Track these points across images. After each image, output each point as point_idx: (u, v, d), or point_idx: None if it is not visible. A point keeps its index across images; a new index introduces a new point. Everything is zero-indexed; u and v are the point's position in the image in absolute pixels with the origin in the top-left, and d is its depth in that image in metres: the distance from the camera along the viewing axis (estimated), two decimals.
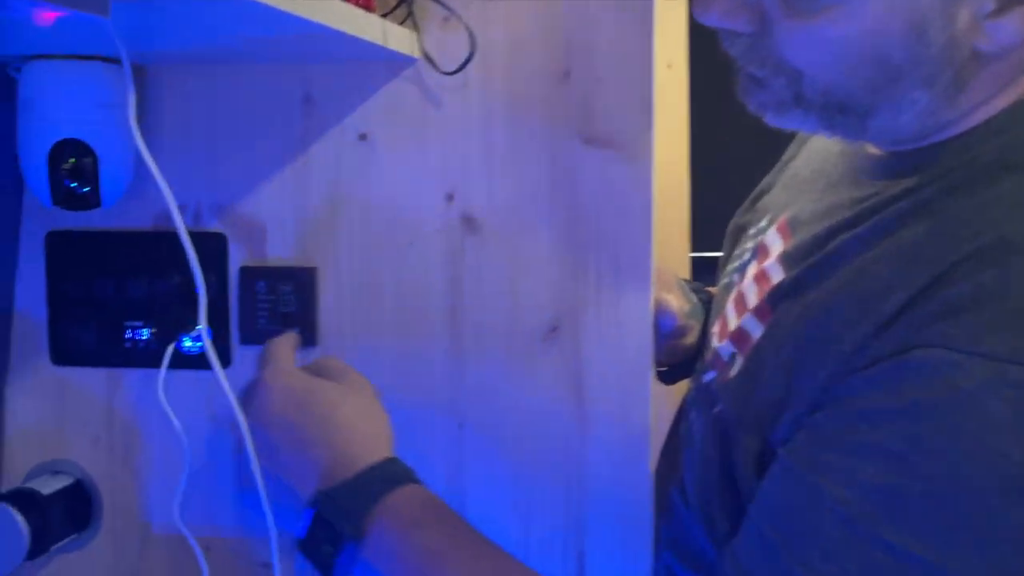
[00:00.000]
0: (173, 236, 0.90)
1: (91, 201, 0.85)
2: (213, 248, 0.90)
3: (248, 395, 0.78)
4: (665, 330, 0.89)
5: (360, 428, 0.75)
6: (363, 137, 0.87)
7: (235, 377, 0.89)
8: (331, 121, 0.87)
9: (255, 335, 0.89)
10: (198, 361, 0.91)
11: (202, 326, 0.70)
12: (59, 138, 0.81)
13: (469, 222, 0.86)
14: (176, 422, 0.88)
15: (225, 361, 0.91)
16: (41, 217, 0.93)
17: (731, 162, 1.71)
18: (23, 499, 0.88)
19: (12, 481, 0.96)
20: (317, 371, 0.79)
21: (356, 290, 0.88)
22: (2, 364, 0.94)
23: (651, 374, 0.84)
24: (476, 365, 0.87)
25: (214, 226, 0.90)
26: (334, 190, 0.88)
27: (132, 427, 0.93)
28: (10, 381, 0.95)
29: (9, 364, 0.95)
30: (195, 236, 0.90)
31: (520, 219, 0.86)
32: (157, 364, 0.89)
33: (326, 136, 0.88)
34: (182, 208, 0.90)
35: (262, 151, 0.89)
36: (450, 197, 0.86)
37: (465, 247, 0.86)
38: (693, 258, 1.37)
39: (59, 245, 0.93)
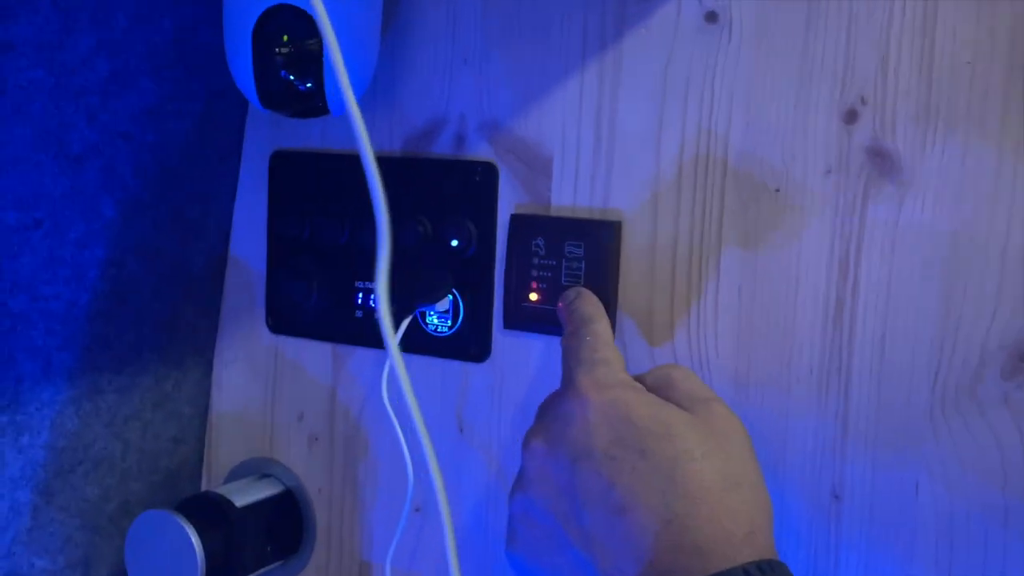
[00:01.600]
0: (430, 165, 0.63)
1: (316, 103, 0.59)
2: (479, 185, 0.62)
3: (555, 408, 0.49)
4: None
5: (722, 498, 0.44)
6: (712, 18, 0.55)
7: (491, 376, 0.61)
8: None
9: (525, 316, 0.60)
10: (447, 346, 0.63)
11: (381, 290, 0.41)
12: (272, 4, 0.56)
13: (883, 160, 0.51)
14: (399, 429, 0.61)
15: (480, 350, 0.62)
16: (267, 132, 0.70)
17: None
18: (207, 510, 0.65)
19: (216, 477, 0.74)
20: (659, 386, 0.49)
21: (682, 261, 0.56)
22: (212, 327, 0.72)
23: None
24: (867, 417, 0.52)
25: (482, 153, 0.62)
26: (660, 104, 0.56)
27: (359, 428, 0.68)
28: (219, 350, 0.73)
29: (220, 327, 0.72)
30: (455, 166, 0.64)
31: (991, 159, 0.49)
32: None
33: (654, 18, 0.56)
34: (441, 124, 0.63)
35: (557, 44, 0.59)
36: (851, 116, 0.52)
37: (871, 204, 0.51)
38: None
39: (284, 171, 0.69)
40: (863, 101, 0.51)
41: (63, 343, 0.61)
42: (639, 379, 0.50)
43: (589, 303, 0.55)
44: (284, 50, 0.57)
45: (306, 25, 0.56)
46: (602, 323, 0.53)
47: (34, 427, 0.60)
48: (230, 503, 0.66)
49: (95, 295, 0.62)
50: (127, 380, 0.66)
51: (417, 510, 0.66)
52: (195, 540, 0.62)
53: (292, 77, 0.58)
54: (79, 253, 0.61)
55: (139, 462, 0.69)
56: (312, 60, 0.57)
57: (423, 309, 0.63)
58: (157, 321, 0.67)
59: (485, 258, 0.62)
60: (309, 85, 0.58)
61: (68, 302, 0.61)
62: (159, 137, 0.64)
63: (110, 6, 0.58)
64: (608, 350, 0.50)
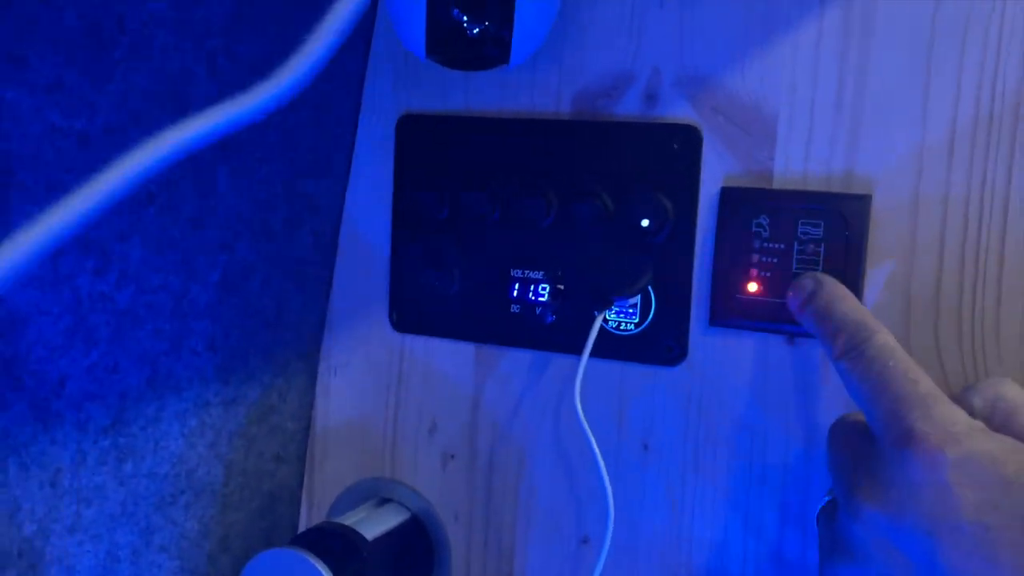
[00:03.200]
0: (612, 129, 0.53)
1: (495, 52, 0.48)
2: (677, 152, 0.51)
3: (890, 466, 0.38)
4: None
5: None
6: None
7: (688, 382, 0.51)
8: None
9: (740, 311, 0.50)
10: (633, 347, 0.53)
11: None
12: None
13: None
14: (595, 445, 0.51)
15: (676, 352, 0.52)
16: (390, 90, 0.58)
17: None
18: (335, 544, 0.54)
19: (320, 503, 0.62)
20: (994, 415, 0.39)
21: (953, 244, 0.46)
22: (316, 323, 0.61)
23: None
24: None
25: (681, 114, 0.51)
26: (928, 50, 0.46)
27: (512, 443, 0.57)
28: (326, 352, 0.61)
29: (328, 324, 0.61)
30: (645, 130, 0.53)
31: None
32: (564, 345, 0.52)
33: None
34: (626, 80, 0.53)
35: None
36: None
37: None
38: None
39: (416, 137, 0.57)
40: None
41: (170, 346, 0.49)
42: (972, 403, 0.40)
43: (849, 301, 0.44)
44: None
45: None
46: (884, 330, 0.42)
47: (138, 450, 0.49)
48: (360, 536, 0.55)
49: (203, 286, 0.51)
50: (233, 390, 0.55)
51: (585, 542, 0.55)
52: None
53: (466, 18, 0.47)
54: (191, 234, 0.49)
55: (240, 487, 0.57)
56: None
57: (620, 302, 0.52)
58: (265, 318, 0.56)
59: (683, 241, 0.51)
60: (484, 27, 0.47)
61: (176, 295, 0.49)
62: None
63: None
64: (925, 377, 0.39)
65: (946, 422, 0.37)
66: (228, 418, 0.54)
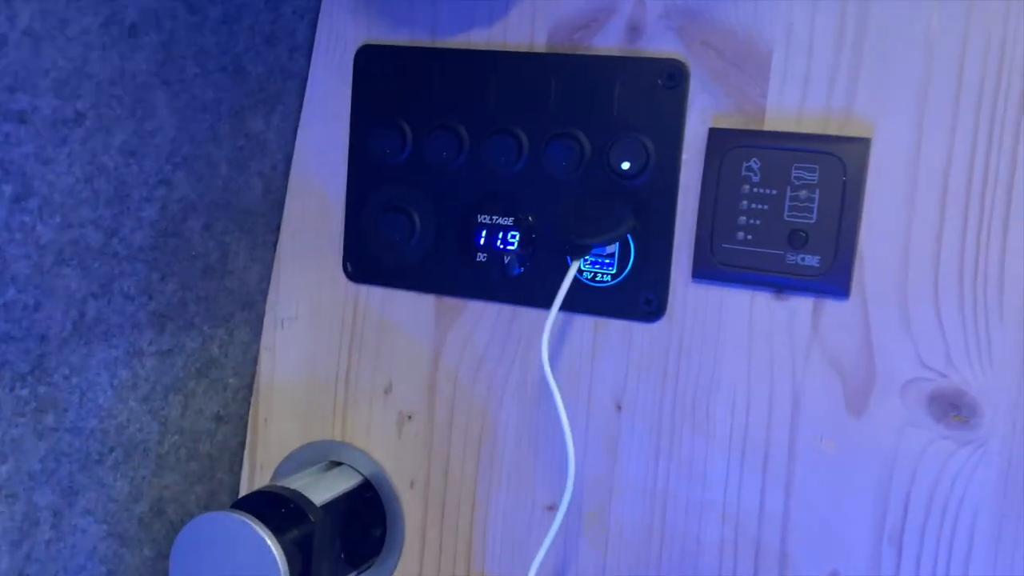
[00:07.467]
0: (590, 64, 0.49)
1: None
2: (661, 89, 0.47)
3: None
4: None
5: None
6: None
7: (667, 338, 0.47)
8: None
9: (725, 263, 0.46)
10: (608, 300, 0.49)
11: None
12: None
13: None
14: (561, 406, 0.47)
15: (654, 306, 0.48)
16: (347, 20, 0.53)
17: None
18: (280, 509, 0.49)
19: (263, 466, 0.58)
20: None
21: (957, 193, 0.43)
22: (262, 272, 0.56)
23: None
24: None
25: (666, 48, 0.47)
26: None
27: (474, 403, 0.53)
28: (272, 304, 0.56)
29: (276, 274, 0.56)
30: (626, 65, 0.49)
31: None
32: (532, 298, 0.48)
33: None
34: (607, 11, 0.49)
35: None
36: None
37: None
38: None
39: (375, 71, 0.53)
40: None
41: (100, 288, 0.44)
42: None
43: None
44: None
45: None
46: None
47: (60, 402, 0.44)
48: (307, 501, 0.50)
49: (139, 223, 0.46)
50: (170, 340, 0.50)
51: (550, 509, 0.51)
52: (274, 549, 0.47)
53: None
54: (124, 164, 0.44)
55: (177, 447, 0.52)
56: None
57: (597, 250, 0.48)
58: (205, 264, 0.51)
59: (666, 186, 0.48)
60: None
61: (107, 230, 0.44)
62: (226, 12, 0.47)
63: None
64: None
65: None
66: (164, 370, 0.50)
